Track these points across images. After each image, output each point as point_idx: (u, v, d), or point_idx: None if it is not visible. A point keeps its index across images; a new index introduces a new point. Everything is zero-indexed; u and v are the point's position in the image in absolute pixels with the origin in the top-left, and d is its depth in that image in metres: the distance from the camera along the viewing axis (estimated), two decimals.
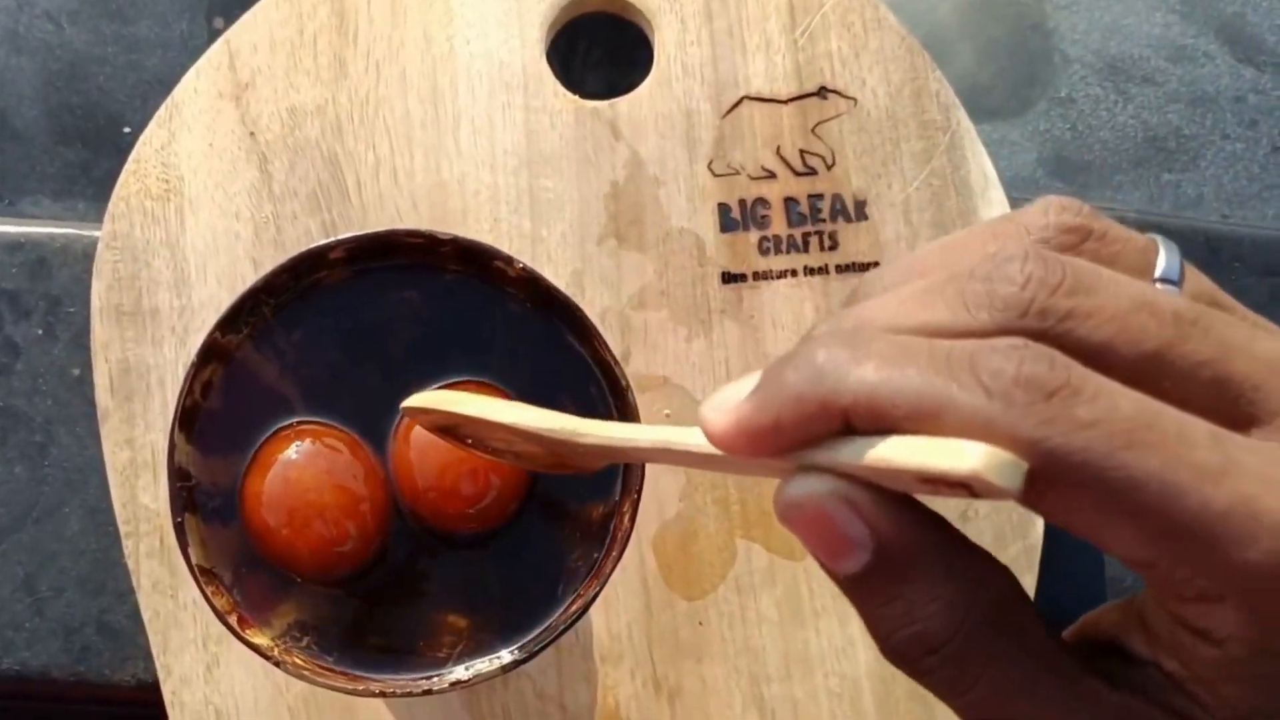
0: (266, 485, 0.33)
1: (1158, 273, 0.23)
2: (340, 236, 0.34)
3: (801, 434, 0.21)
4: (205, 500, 0.34)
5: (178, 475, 0.33)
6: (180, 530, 0.33)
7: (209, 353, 0.34)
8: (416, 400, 0.32)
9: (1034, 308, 0.20)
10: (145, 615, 0.43)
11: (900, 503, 0.21)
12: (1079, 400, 0.19)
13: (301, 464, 0.34)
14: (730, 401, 0.22)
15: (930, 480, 0.20)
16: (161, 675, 0.43)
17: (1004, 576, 0.22)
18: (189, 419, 0.34)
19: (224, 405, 0.34)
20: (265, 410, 0.34)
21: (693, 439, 0.25)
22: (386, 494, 0.35)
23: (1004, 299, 0.21)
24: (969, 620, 0.21)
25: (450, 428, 0.32)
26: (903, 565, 0.21)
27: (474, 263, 0.35)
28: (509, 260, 0.35)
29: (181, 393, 0.33)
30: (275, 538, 0.33)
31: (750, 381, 0.22)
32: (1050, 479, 0.19)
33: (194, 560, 0.33)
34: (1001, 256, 0.21)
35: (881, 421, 0.20)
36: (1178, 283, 0.23)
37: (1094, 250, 0.22)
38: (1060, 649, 0.22)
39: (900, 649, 0.21)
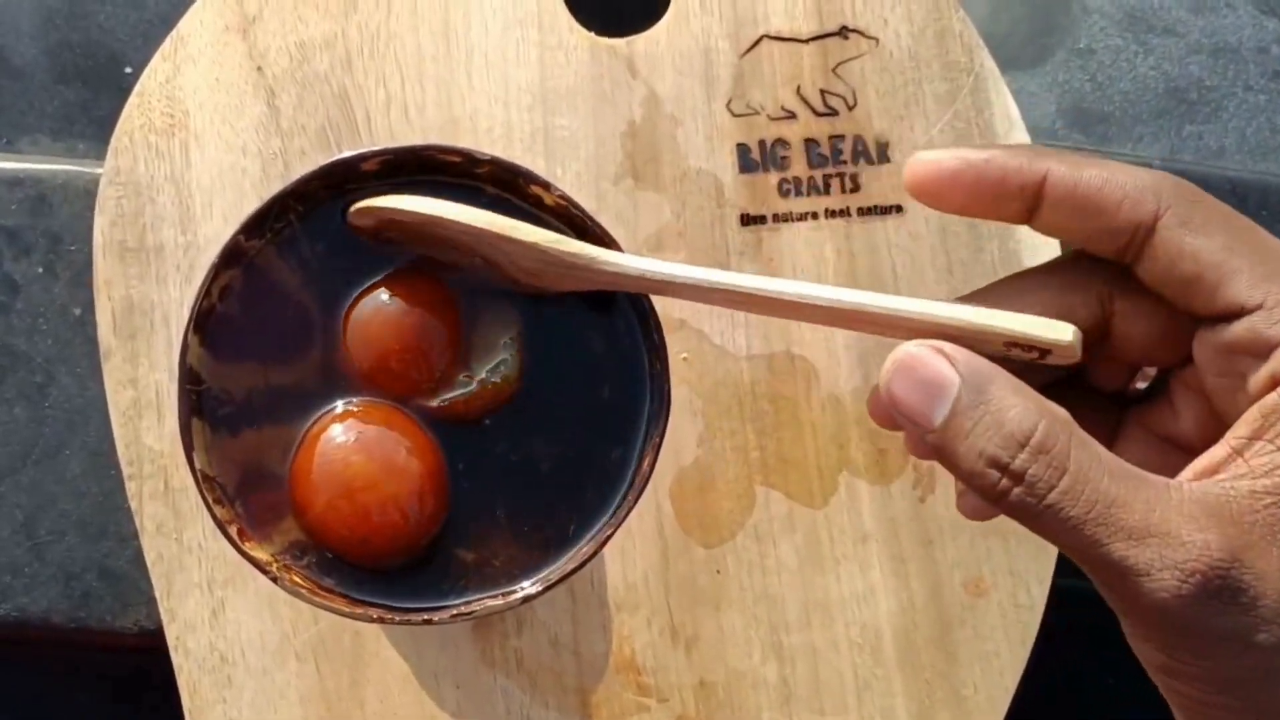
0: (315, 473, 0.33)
1: None
2: (375, 147, 0.33)
3: (1003, 186, 0.27)
4: (215, 407, 0.32)
5: (189, 377, 0.32)
6: (186, 432, 0.32)
7: (231, 256, 0.33)
8: (366, 202, 0.33)
9: None
10: (149, 559, 0.42)
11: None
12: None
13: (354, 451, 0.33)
14: (945, 151, 0.28)
15: (1018, 344, 0.26)
16: (165, 620, 0.41)
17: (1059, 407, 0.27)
18: (204, 321, 0.32)
19: (241, 311, 0.33)
20: (283, 320, 0.33)
21: (689, 274, 0.31)
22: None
23: None
24: (1045, 415, 0.25)
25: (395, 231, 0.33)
26: (983, 384, 0.25)
27: (510, 186, 0.34)
28: (547, 185, 0.34)
29: (199, 294, 0.32)
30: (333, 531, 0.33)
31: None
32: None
33: (198, 466, 0.31)
34: None
35: (1074, 191, 0.27)
36: None
37: None
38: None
39: (993, 457, 0.25)
